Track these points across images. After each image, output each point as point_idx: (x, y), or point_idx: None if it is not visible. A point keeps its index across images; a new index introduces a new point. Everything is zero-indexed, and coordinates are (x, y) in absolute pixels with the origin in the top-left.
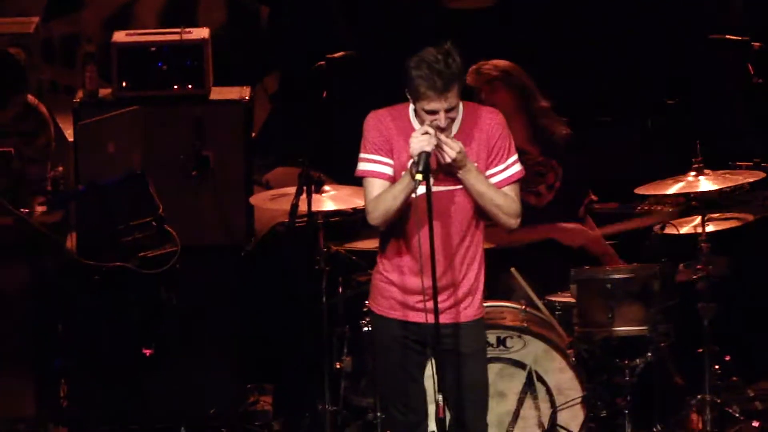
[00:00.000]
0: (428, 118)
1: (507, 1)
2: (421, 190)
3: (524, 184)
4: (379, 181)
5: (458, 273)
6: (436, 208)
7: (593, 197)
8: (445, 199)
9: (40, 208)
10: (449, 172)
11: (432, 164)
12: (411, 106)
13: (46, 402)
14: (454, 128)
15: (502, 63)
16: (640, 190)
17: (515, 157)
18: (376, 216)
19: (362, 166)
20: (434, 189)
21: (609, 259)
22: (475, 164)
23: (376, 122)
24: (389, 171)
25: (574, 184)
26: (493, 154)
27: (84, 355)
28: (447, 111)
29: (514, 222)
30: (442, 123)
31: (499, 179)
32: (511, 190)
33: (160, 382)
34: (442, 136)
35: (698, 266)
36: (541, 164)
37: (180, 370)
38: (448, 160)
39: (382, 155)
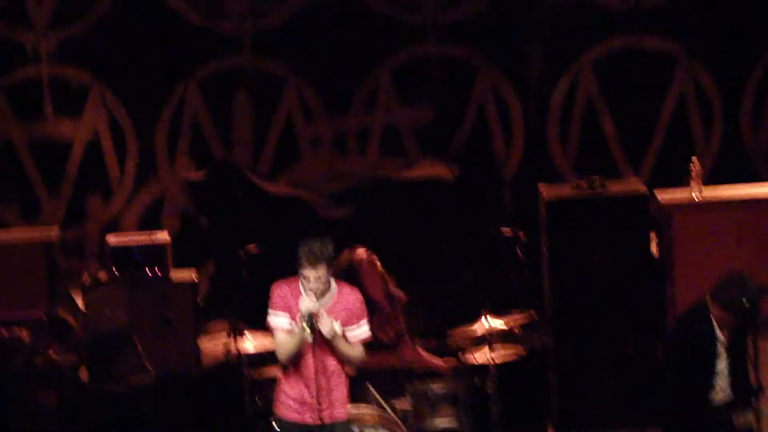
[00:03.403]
0: (304, 281)
1: (360, 211)
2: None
3: (378, 325)
4: (281, 332)
5: (333, 387)
6: (318, 347)
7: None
8: (324, 342)
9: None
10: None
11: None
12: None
13: None
14: (328, 298)
15: (368, 255)
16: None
17: (365, 322)
18: (282, 356)
19: (270, 319)
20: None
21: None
22: (340, 329)
23: (279, 290)
24: (286, 324)
25: (409, 327)
26: (352, 319)
27: None
28: (316, 279)
29: (357, 364)
30: (310, 286)
31: (353, 337)
32: (358, 345)
33: None
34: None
35: (488, 380)
36: (388, 314)
37: None
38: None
39: (282, 311)
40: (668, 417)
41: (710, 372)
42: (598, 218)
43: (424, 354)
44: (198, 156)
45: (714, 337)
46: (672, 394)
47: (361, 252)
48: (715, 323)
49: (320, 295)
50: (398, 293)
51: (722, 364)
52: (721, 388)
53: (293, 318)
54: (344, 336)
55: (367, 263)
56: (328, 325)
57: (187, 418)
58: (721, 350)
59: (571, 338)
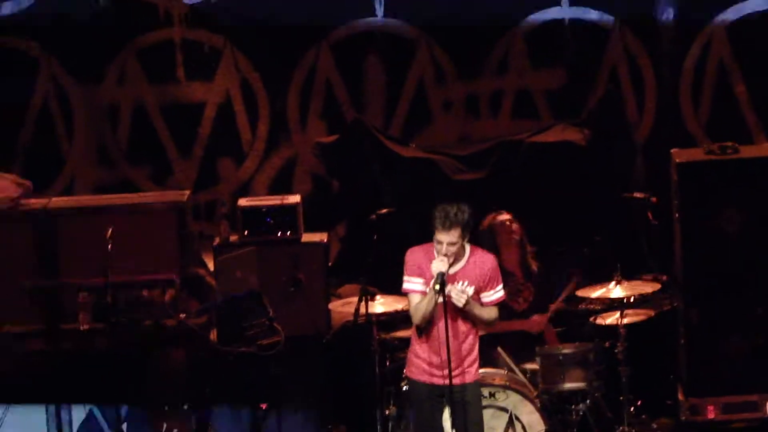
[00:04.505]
0: (438, 245)
1: (492, 175)
2: (440, 298)
3: (510, 295)
4: (416, 295)
5: (464, 351)
6: (450, 309)
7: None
8: (454, 304)
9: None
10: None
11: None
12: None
13: None
14: (462, 263)
15: (510, 219)
16: (581, 293)
17: (501, 286)
18: (417, 318)
19: (405, 285)
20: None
21: (552, 338)
22: (472, 291)
23: (413, 255)
24: (421, 288)
25: (541, 298)
26: (487, 284)
27: (223, 406)
28: (449, 244)
29: (491, 325)
30: (443, 251)
31: (487, 300)
32: (493, 307)
33: (272, 426)
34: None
35: (618, 343)
36: (521, 285)
37: (284, 417)
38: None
39: (416, 277)
40: None
41: None
42: (729, 182)
43: (551, 328)
44: (330, 119)
45: None
46: None
47: (504, 218)
48: None
49: (453, 259)
50: (533, 263)
51: None
52: None
53: (427, 283)
54: (478, 299)
55: (506, 230)
56: (458, 291)
57: (316, 380)
58: None
59: (701, 302)
